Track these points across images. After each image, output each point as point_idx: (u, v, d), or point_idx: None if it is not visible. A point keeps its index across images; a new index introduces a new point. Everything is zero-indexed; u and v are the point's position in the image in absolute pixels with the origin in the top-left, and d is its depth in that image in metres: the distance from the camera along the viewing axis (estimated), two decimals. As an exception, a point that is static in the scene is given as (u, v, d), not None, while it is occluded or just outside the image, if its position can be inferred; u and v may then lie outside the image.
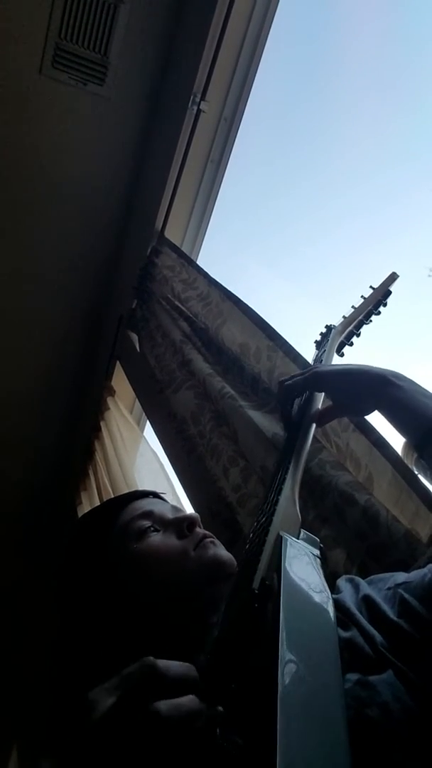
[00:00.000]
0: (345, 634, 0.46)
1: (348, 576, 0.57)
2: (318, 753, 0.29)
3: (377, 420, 0.84)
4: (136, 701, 0.34)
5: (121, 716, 0.34)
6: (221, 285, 1.42)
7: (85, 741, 0.34)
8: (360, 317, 0.93)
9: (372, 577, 0.56)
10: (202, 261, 1.79)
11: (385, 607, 0.49)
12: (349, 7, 1.83)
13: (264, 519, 0.50)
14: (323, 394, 0.79)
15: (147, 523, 0.63)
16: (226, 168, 1.81)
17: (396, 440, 0.86)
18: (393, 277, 0.95)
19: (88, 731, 0.34)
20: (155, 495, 0.72)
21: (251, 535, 0.50)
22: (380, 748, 0.39)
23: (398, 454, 0.84)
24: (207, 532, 0.64)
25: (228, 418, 1.17)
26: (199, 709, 0.34)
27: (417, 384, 0.69)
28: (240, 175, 1.91)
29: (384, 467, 0.84)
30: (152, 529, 0.63)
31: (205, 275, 1.51)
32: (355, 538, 0.80)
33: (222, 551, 0.62)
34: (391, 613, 0.48)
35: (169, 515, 0.66)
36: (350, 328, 0.92)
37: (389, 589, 0.51)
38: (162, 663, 0.36)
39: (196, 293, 1.52)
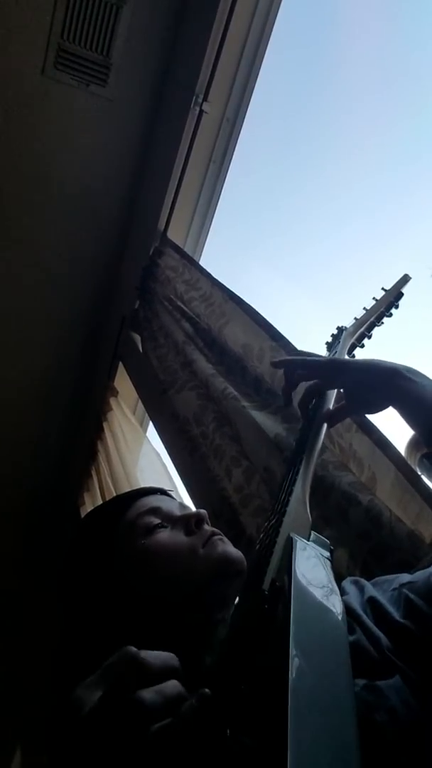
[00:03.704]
0: (350, 638, 0.46)
1: (353, 578, 0.57)
2: (329, 752, 0.29)
3: (379, 421, 0.84)
4: (121, 692, 0.34)
5: (109, 709, 0.33)
6: (224, 285, 1.43)
7: (78, 738, 0.34)
8: (371, 319, 0.93)
9: (377, 579, 0.56)
10: (204, 261, 1.80)
11: (391, 609, 0.49)
12: (351, 7, 1.83)
13: (274, 520, 0.50)
14: (334, 393, 0.78)
15: (155, 519, 0.62)
16: (228, 168, 1.81)
17: (399, 441, 0.87)
18: (405, 279, 0.94)
19: (79, 728, 0.34)
20: (163, 492, 0.71)
21: (261, 535, 0.50)
22: (388, 752, 0.39)
23: (401, 455, 0.84)
24: (215, 529, 0.64)
25: (231, 418, 1.17)
26: (181, 692, 0.34)
27: (430, 379, 0.69)
28: (242, 175, 1.91)
29: (387, 468, 0.84)
30: (160, 525, 0.62)
31: (208, 276, 1.51)
32: (358, 538, 0.80)
33: (230, 548, 0.62)
34: (396, 615, 0.48)
35: (177, 512, 0.65)
36: (361, 329, 0.92)
37: (394, 589, 0.51)
38: (143, 652, 0.35)
39: (199, 294, 1.52)
